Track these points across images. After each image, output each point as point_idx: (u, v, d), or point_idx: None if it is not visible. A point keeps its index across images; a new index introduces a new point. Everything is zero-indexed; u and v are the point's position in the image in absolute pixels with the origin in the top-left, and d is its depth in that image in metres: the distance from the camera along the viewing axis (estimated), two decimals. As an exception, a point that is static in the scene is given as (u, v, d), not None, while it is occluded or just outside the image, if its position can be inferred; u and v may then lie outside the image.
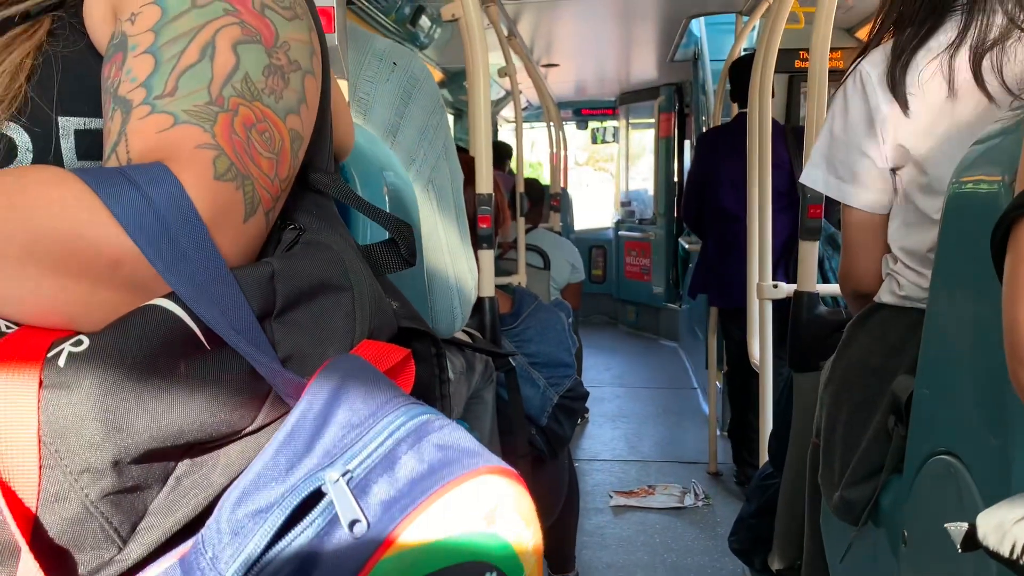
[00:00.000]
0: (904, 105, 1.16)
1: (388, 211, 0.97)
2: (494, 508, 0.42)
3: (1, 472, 0.39)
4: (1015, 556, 0.52)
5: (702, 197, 3.38)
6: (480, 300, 1.83)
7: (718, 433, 3.71)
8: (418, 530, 0.39)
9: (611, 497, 3.32)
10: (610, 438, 4.19)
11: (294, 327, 0.48)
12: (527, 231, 3.73)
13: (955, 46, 1.13)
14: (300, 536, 0.39)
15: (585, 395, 2.00)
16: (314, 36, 0.57)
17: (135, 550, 0.42)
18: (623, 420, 4.48)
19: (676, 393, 5.00)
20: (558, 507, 2.15)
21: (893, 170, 1.24)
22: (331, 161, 0.62)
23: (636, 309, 7.11)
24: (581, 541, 2.84)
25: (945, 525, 0.63)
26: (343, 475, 0.40)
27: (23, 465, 0.39)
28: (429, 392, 0.62)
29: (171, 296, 0.44)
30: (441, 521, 0.40)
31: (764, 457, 2.25)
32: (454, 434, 0.43)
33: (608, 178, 11.85)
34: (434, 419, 0.43)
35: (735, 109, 3.73)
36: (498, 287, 1.90)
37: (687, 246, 5.72)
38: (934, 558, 0.95)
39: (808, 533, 1.55)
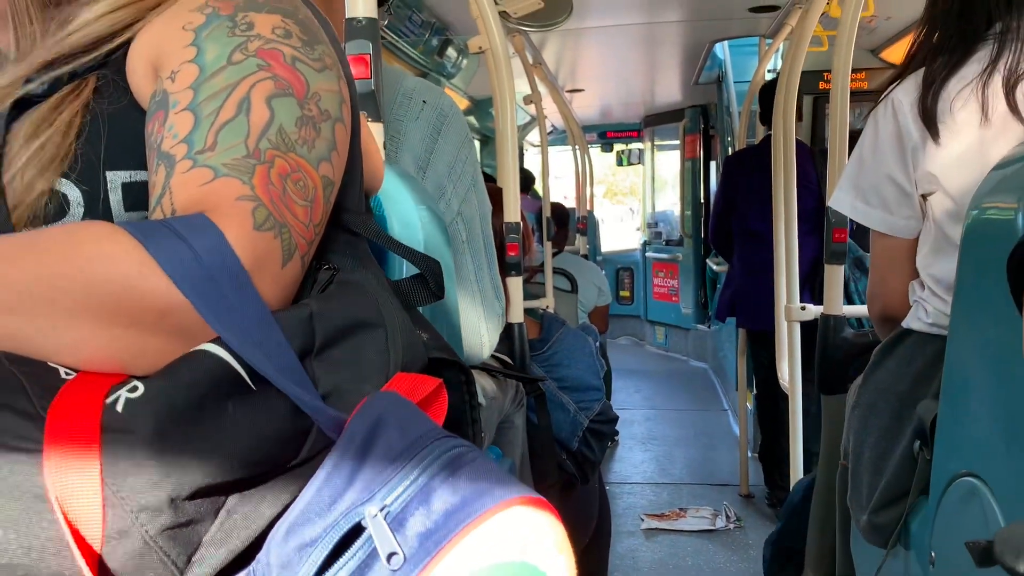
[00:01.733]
0: (935, 134, 1.17)
1: (423, 245, 1.01)
2: (527, 538, 0.43)
3: (67, 512, 0.42)
4: None
5: (729, 218, 3.40)
6: (509, 326, 1.86)
7: (749, 455, 3.69)
8: (454, 561, 0.41)
9: (642, 520, 3.31)
10: (640, 460, 4.18)
11: (333, 365, 0.50)
12: (553, 255, 3.76)
13: (987, 74, 1.14)
14: (343, 569, 0.41)
15: (615, 419, 2.02)
16: (343, 84, 0.60)
17: None
18: (653, 442, 4.47)
19: (706, 415, 4.98)
20: (589, 531, 2.16)
21: (923, 196, 1.26)
22: (362, 201, 0.64)
23: (665, 330, 7.09)
24: (613, 564, 2.84)
25: (965, 542, 0.65)
26: (381, 509, 0.42)
27: (89, 505, 0.42)
28: (460, 418, 0.64)
29: (217, 340, 0.46)
30: (476, 552, 0.41)
31: (795, 478, 2.25)
32: (486, 466, 0.45)
33: (627, 212, 11.79)
34: (467, 452, 0.45)
35: (762, 130, 3.75)
36: (526, 312, 1.93)
37: (715, 267, 5.72)
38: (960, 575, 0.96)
39: (840, 555, 1.56)
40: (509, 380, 1.65)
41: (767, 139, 3.17)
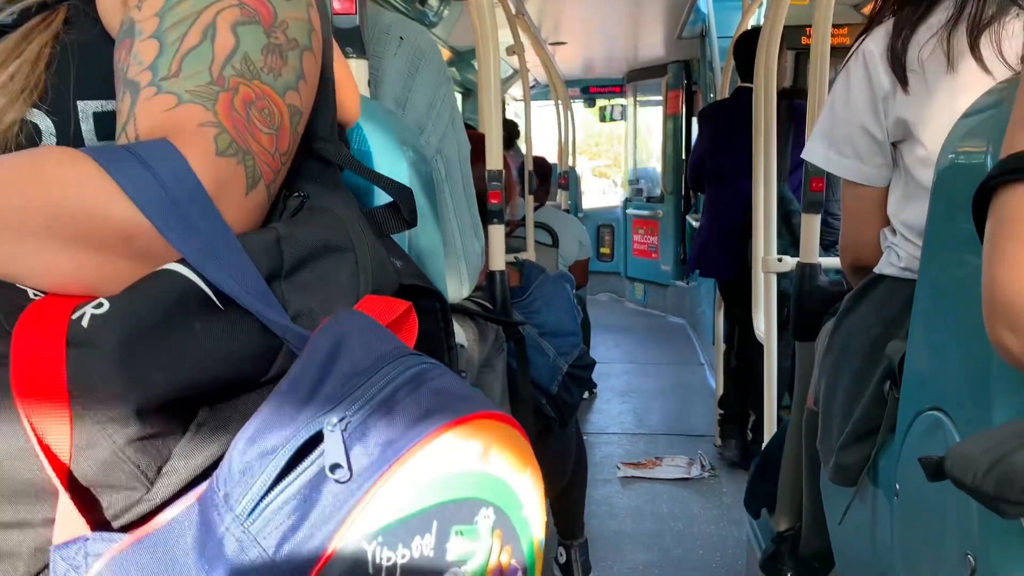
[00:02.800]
0: (904, 81, 1.19)
1: (408, 184, 1.02)
2: (488, 448, 0.44)
3: (35, 424, 0.43)
4: (975, 483, 0.58)
5: (703, 169, 3.46)
6: (491, 274, 1.88)
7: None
8: (413, 469, 0.42)
9: (619, 468, 3.38)
10: (618, 412, 4.25)
11: (302, 287, 0.51)
12: (535, 209, 3.77)
13: (953, 23, 1.16)
14: (302, 475, 0.42)
15: (592, 364, 2.05)
16: (313, 13, 0.60)
17: (161, 490, 0.46)
18: (631, 395, 4.53)
19: (684, 369, 5.05)
20: (567, 474, 2.21)
21: (894, 144, 1.28)
22: (335, 131, 0.65)
23: (644, 287, 7.14)
24: (590, 510, 2.91)
25: (918, 458, 0.68)
26: (341, 419, 0.42)
27: (56, 418, 0.43)
28: (436, 345, 0.65)
29: (183, 262, 0.47)
30: (436, 461, 0.42)
31: (770, 430, 2.30)
32: (451, 382, 0.47)
33: (610, 185, 11.64)
34: (433, 368, 0.46)
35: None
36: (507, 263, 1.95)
37: (695, 223, 5.75)
38: (923, 507, 1.00)
39: (807, 498, 1.61)
40: (490, 325, 1.68)
41: (738, 91, 3.20)
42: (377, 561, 0.40)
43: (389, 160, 0.98)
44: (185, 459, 0.47)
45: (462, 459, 0.43)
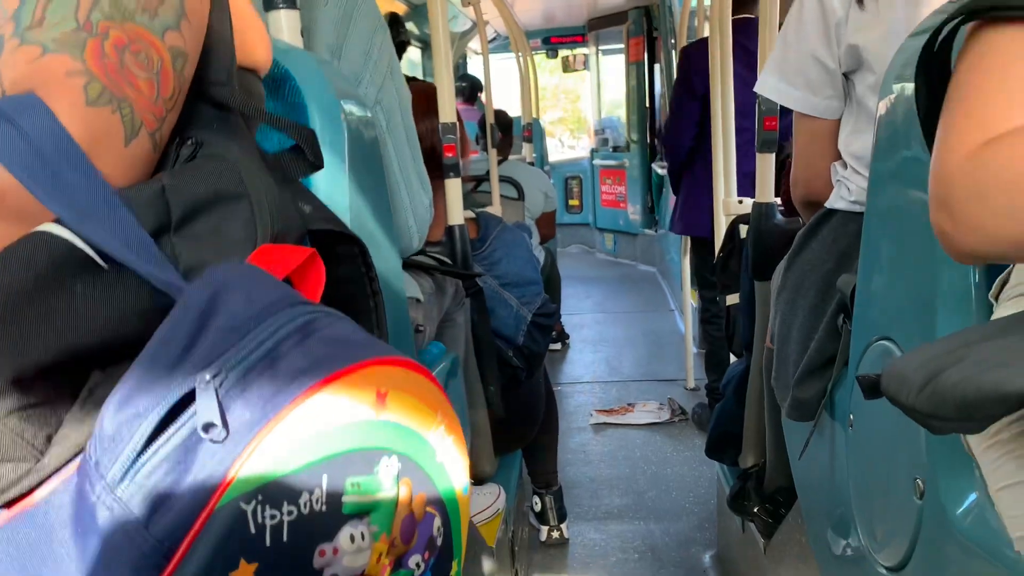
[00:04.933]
0: (860, 1, 1.17)
1: (347, 139, 0.99)
2: (387, 396, 0.42)
3: None
4: (909, 401, 0.58)
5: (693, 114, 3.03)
6: (450, 228, 1.86)
7: (694, 351, 3.80)
8: (296, 423, 0.39)
9: (592, 416, 3.41)
10: (591, 361, 4.28)
11: (194, 240, 0.49)
12: (498, 163, 3.73)
13: None
14: (174, 437, 0.39)
15: (554, 311, 2.05)
16: None
17: (52, 460, 0.44)
18: (603, 344, 4.56)
19: (654, 315, 5.09)
20: (537, 424, 2.23)
21: (846, 75, 1.27)
22: (232, 75, 0.61)
23: (614, 237, 7.16)
24: (564, 458, 2.94)
25: (856, 376, 0.68)
26: (215, 376, 0.40)
27: None
28: (358, 292, 0.62)
29: (59, 221, 0.44)
30: (323, 412, 0.40)
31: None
32: (344, 329, 0.44)
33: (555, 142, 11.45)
34: (323, 317, 0.44)
35: (701, 31, 3.70)
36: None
37: (660, 171, 5.75)
38: (875, 436, 1.02)
39: (769, 435, 1.63)
40: (448, 279, 1.66)
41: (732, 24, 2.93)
42: (259, 521, 0.38)
43: (326, 114, 0.95)
44: (76, 426, 0.45)
45: (353, 409, 0.41)
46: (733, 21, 2.69)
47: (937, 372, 0.57)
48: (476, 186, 3.75)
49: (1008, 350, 0.56)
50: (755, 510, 1.69)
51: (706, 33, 3.29)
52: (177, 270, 0.47)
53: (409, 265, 1.50)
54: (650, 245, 6.43)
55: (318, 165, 0.62)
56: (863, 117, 1.25)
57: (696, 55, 3.00)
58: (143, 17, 0.50)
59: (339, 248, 0.60)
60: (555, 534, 2.44)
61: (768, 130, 1.66)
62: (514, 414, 2.02)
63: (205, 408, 0.39)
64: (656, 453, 3.06)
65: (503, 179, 3.70)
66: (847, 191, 1.26)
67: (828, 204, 1.30)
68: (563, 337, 4.54)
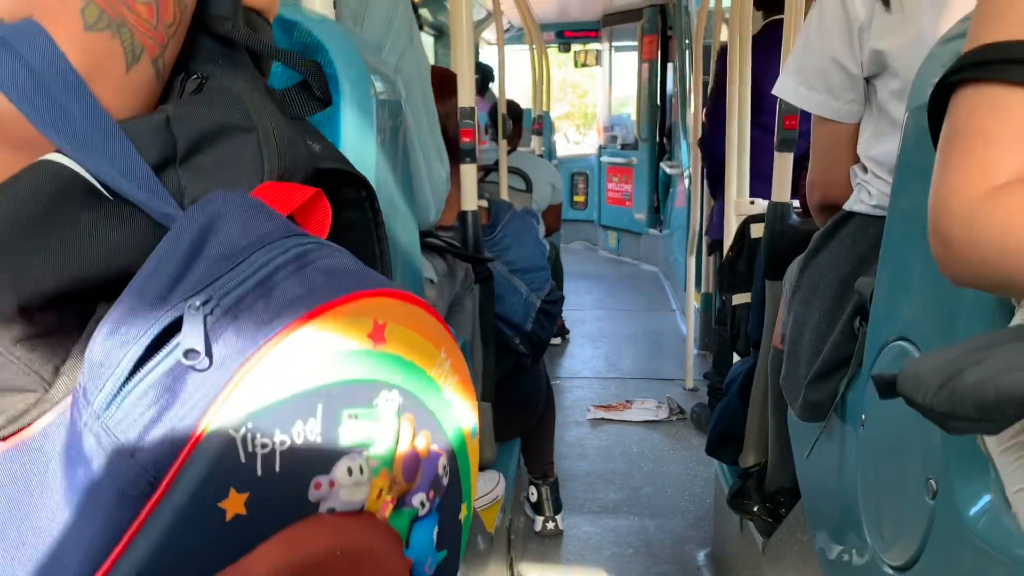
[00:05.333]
0: (886, 3, 1.17)
1: (376, 114, 0.99)
2: (387, 328, 0.41)
3: None
4: (925, 401, 0.58)
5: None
6: (463, 214, 1.86)
7: (694, 351, 3.80)
8: (288, 351, 0.38)
9: (589, 411, 3.42)
10: (590, 357, 4.28)
11: (200, 172, 0.48)
12: (507, 153, 3.73)
13: None
14: (161, 363, 0.39)
15: (560, 299, 2.06)
16: None
17: (60, 390, 0.44)
18: (603, 340, 4.57)
19: (655, 315, 5.09)
20: (537, 413, 2.23)
21: (867, 79, 1.26)
22: (238, 9, 0.59)
23: (618, 235, 7.15)
24: (561, 451, 2.95)
25: (871, 375, 0.68)
26: (205, 302, 0.39)
27: None
28: (365, 235, 0.61)
29: (60, 151, 0.44)
30: (314, 341, 0.39)
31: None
32: (342, 260, 0.43)
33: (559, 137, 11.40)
34: (322, 248, 0.43)
35: (718, 32, 3.68)
36: (478, 202, 1.93)
37: (669, 170, 5.75)
38: (887, 435, 1.02)
39: (773, 435, 1.63)
40: (459, 263, 1.66)
41: (766, 27, 2.80)
42: (249, 448, 0.37)
43: (358, 86, 0.95)
44: (82, 357, 0.44)
45: (350, 339, 0.40)
46: (768, 23, 2.66)
47: (956, 373, 0.57)
48: (484, 176, 3.75)
49: None
50: (755, 509, 1.70)
51: (724, 35, 3.29)
52: (182, 202, 0.46)
53: (423, 246, 1.50)
54: (654, 245, 6.43)
55: (326, 102, 0.60)
56: (884, 121, 1.25)
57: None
58: None
59: (345, 191, 0.59)
60: (550, 525, 2.45)
61: (788, 129, 1.65)
62: (516, 401, 2.03)
63: (190, 335, 0.38)
64: (653, 450, 3.06)
65: (511, 170, 3.69)
66: (868, 195, 1.25)
67: (847, 207, 1.30)
68: (563, 332, 4.54)
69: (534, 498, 2.47)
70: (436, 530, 0.47)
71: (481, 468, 1.93)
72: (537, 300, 1.91)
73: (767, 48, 2.46)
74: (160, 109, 0.49)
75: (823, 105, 1.29)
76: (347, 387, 0.40)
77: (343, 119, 0.92)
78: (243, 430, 0.37)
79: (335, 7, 1.12)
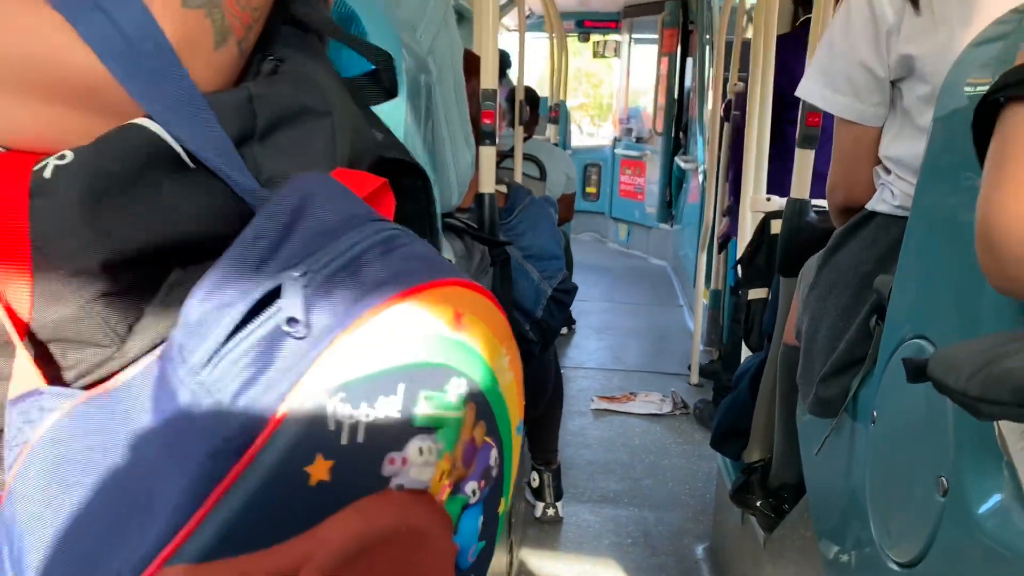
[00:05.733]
0: (916, 5, 1.16)
1: (407, 88, 0.99)
2: (461, 317, 0.42)
3: None
4: (958, 385, 0.58)
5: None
6: (480, 196, 1.86)
7: (701, 347, 3.80)
8: (378, 328, 0.39)
9: (593, 401, 3.42)
10: (596, 348, 4.28)
11: (277, 150, 0.49)
12: (524, 140, 3.72)
13: None
14: (259, 328, 0.39)
15: (574, 288, 2.06)
16: None
17: (133, 347, 0.45)
18: (609, 333, 4.57)
19: (662, 309, 5.09)
20: (545, 400, 2.24)
21: (893, 83, 1.26)
22: None
23: (628, 228, 7.14)
24: (564, 440, 2.95)
25: (901, 359, 0.69)
26: (303, 275, 0.40)
27: (16, 269, 0.42)
28: (418, 226, 0.62)
29: (150, 117, 0.45)
30: (403, 322, 0.40)
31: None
32: (423, 248, 0.44)
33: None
34: (404, 235, 0.44)
35: (741, 28, 3.66)
36: (496, 184, 1.92)
37: (683, 165, 5.73)
38: (898, 432, 1.02)
39: (779, 431, 1.63)
40: (476, 245, 1.66)
41: (804, 24, 2.79)
42: (338, 417, 0.38)
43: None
44: (157, 318, 0.45)
45: (432, 324, 0.41)
46: (805, 20, 2.63)
47: (992, 360, 0.58)
48: (499, 162, 3.74)
49: None
50: (758, 504, 1.70)
51: (748, 32, 3.28)
52: (258, 178, 0.47)
53: (442, 226, 1.50)
54: (664, 239, 6.42)
55: (393, 93, 0.61)
56: (909, 125, 1.24)
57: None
58: None
59: (403, 180, 0.60)
60: (550, 511, 2.46)
61: (810, 126, 1.65)
62: (524, 387, 2.03)
63: (290, 303, 0.39)
64: (655, 443, 3.07)
65: (526, 157, 3.68)
66: (891, 195, 1.25)
67: (869, 206, 1.30)
68: (570, 322, 4.54)
69: (535, 484, 2.48)
70: (481, 520, 0.48)
71: (486, 450, 1.94)
72: (548, 288, 1.92)
73: (802, 45, 2.44)
74: (243, 86, 0.50)
75: (848, 108, 1.29)
76: (425, 369, 0.41)
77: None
78: (335, 399, 0.39)
79: None
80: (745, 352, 2.28)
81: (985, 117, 0.69)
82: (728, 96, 3.50)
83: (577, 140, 8.64)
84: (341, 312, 0.40)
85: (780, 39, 3.26)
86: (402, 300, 0.40)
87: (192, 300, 0.41)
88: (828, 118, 1.50)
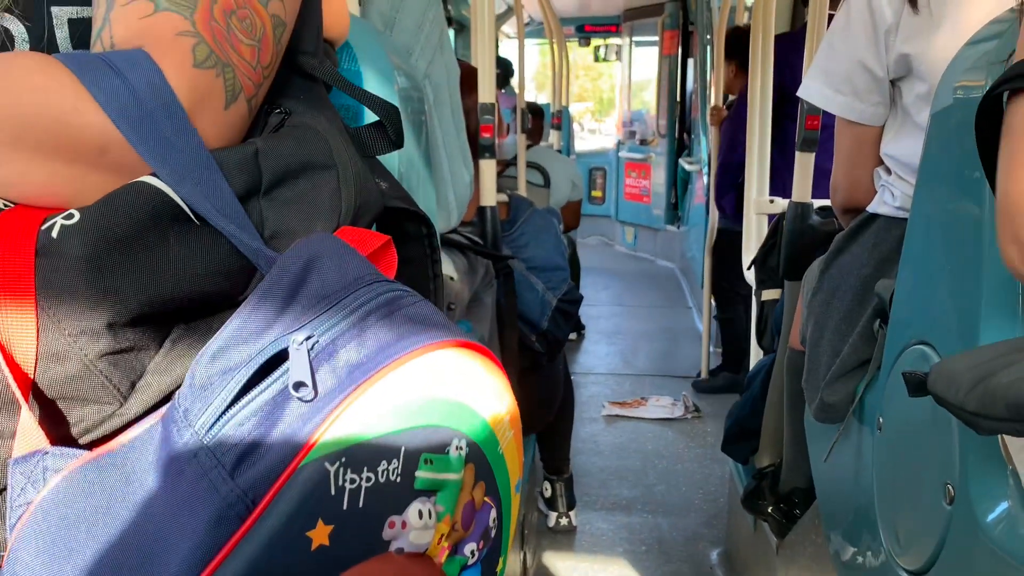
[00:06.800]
0: (915, 4, 1.16)
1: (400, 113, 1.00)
2: (463, 379, 0.43)
3: (1, 333, 0.42)
4: (956, 400, 0.58)
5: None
6: (481, 209, 1.87)
7: (711, 349, 3.79)
8: (380, 392, 0.40)
9: (604, 407, 3.42)
10: (605, 353, 4.28)
11: (282, 204, 0.50)
12: (527, 148, 3.72)
13: None
14: (263, 393, 0.40)
15: (579, 299, 2.06)
16: None
17: (134, 406, 0.45)
18: (619, 337, 4.56)
19: (672, 312, 5.08)
20: (554, 410, 2.23)
21: (893, 82, 1.26)
22: (319, 45, 0.62)
23: (635, 230, 7.14)
24: (576, 447, 2.95)
25: (901, 372, 0.68)
26: (308, 338, 0.41)
27: (22, 328, 0.42)
28: (421, 273, 0.64)
29: (156, 175, 0.46)
30: (405, 385, 0.41)
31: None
32: (425, 309, 0.45)
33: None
34: (407, 295, 0.45)
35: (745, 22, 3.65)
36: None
37: (687, 167, 5.72)
38: (904, 439, 1.02)
39: (788, 436, 1.63)
40: (479, 259, 1.67)
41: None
42: (340, 483, 0.39)
43: (380, 83, 0.95)
44: (159, 375, 0.46)
45: (434, 386, 0.42)
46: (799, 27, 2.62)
47: (989, 373, 0.57)
48: (503, 170, 3.75)
49: None
50: (769, 509, 1.69)
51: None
52: (262, 232, 0.49)
53: (443, 243, 1.50)
54: (671, 241, 6.41)
55: (399, 143, 0.62)
56: (909, 124, 1.24)
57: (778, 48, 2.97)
58: None
59: (407, 226, 0.61)
60: (563, 521, 2.45)
61: (810, 129, 1.65)
62: (532, 399, 2.03)
63: (297, 367, 0.40)
64: (667, 448, 3.06)
65: (530, 165, 3.69)
66: (891, 196, 1.25)
67: (870, 209, 1.29)
68: (579, 328, 4.54)
69: (548, 494, 2.47)
70: None
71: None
72: (553, 299, 1.92)
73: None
74: (250, 142, 0.51)
75: (848, 107, 1.29)
76: (427, 431, 0.42)
77: (367, 114, 0.93)
78: (337, 464, 0.39)
79: (362, 7, 1.12)
80: (756, 354, 2.27)
81: (989, 112, 0.69)
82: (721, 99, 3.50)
83: (580, 143, 8.64)
84: (344, 376, 0.41)
85: (782, 38, 3.27)
86: (403, 363, 0.41)
87: (199, 363, 0.42)
88: (830, 116, 1.51)
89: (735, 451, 1.96)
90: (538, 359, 1.97)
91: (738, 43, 3.14)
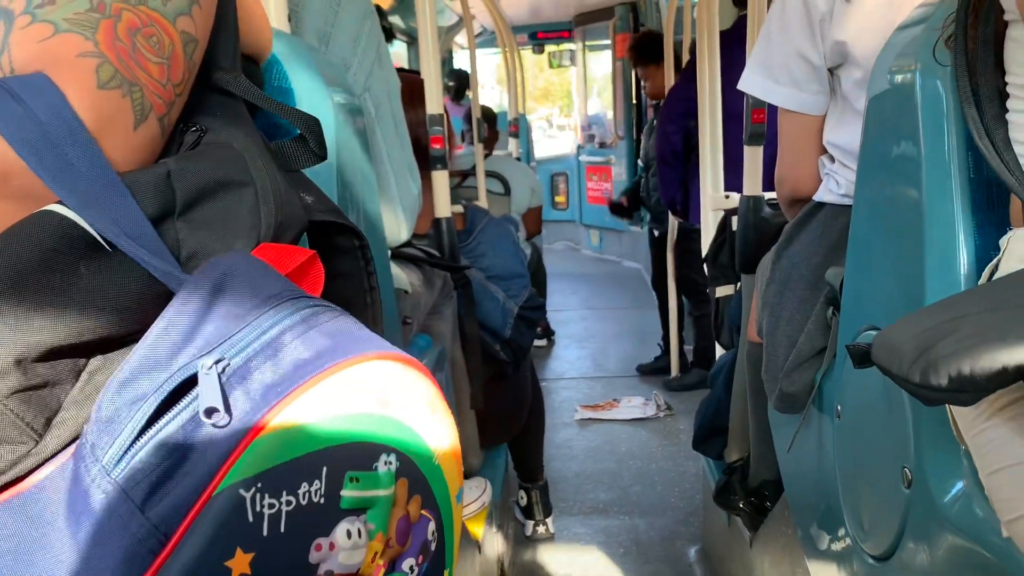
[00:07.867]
0: None
1: (334, 128, 0.98)
2: (388, 392, 0.42)
3: None
4: (900, 372, 0.58)
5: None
6: (437, 221, 1.86)
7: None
8: (298, 411, 0.39)
9: (576, 411, 3.41)
10: (576, 358, 4.28)
11: (198, 225, 0.48)
12: (484, 157, 3.72)
13: None
14: (173, 421, 0.39)
15: (541, 305, 2.05)
16: None
17: (51, 443, 0.43)
18: (589, 340, 4.57)
19: (640, 312, 5.09)
20: (523, 419, 2.22)
21: (831, 70, 1.27)
22: (238, 62, 0.61)
23: (599, 233, 7.16)
24: (550, 453, 2.94)
25: (845, 345, 0.68)
26: (218, 362, 0.39)
27: None
28: (356, 285, 0.62)
29: (63, 203, 0.44)
30: (325, 402, 0.39)
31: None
32: (346, 323, 0.44)
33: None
34: (326, 310, 0.44)
35: (689, 28, 3.69)
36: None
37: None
38: (862, 426, 1.02)
39: (753, 429, 1.63)
40: (436, 271, 1.66)
41: (740, 21, 2.84)
42: (257, 509, 0.38)
43: (314, 100, 0.94)
44: (76, 409, 0.44)
45: (356, 401, 0.41)
46: (742, 17, 2.65)
47: (930, 343, 0.57)
48: (462, 181, 3.74)
49: (1004, 321, 0.56)
50: (740, 504, 1.70)
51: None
52: (179, 255, 0.47)
53: (398, 257, 1.49)
54: (636, 241, 6.44)
55: (322, 156, 0.61)
56: (848, 110, 1.25)
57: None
58: (156, 1, 0.50)
59: (338, 240, 0.60)
60: (540, 529, 2.44)
61: (756, 123, 1.66)
62: (500, 408, 2.02)
63: (207, 393, 0.38)
64: (641, 448, 3.06)
65: (489, 174, 3.68)
66: (836, 184, 1.26)
67: (816, 197, 1.30)
68: (548, 333, 4.54)
69: (524, 502, 2.46)
70: None
71: (466, 475, 1.93)
72: (515, 307, 1.91)
73: (741, 41, 2.46)
74: (161, 163, 0.49)
75: (789, 97, 1.30)
76: (350, 448, 0.40)
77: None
78: (253, 490, 0.38)
79: (294, 23, 1.11)
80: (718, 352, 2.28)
81: None
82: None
83: (546, 144, 8.65)
84: (259, 398, 0.39)
85: (725, 34, 3.29)
86: (321, 380, 0.40)
87: (105, 395, 0.41)
88: (773, 111, 1.52)
89: (707, 448, 1.96)
90: (504, 368, 1.96)
91: (650, 47, 3.15)
